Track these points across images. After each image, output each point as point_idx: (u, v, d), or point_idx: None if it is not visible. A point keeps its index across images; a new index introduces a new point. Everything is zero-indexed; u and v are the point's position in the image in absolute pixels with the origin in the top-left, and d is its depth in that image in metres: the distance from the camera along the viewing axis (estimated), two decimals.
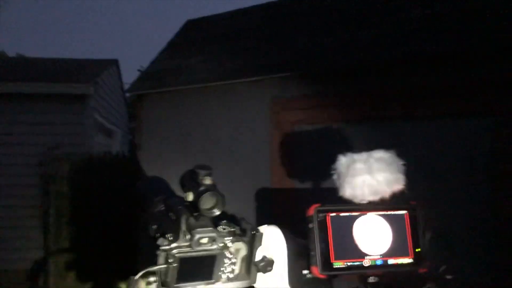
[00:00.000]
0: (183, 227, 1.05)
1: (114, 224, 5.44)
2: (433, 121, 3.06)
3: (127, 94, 9.05)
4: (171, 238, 1.04)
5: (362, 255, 1.28)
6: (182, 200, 1.09)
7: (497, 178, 2.73)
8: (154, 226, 1.13)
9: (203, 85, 4.12)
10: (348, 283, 1.42)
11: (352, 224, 1.29)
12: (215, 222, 1.11)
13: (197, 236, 1.03)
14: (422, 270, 1.31)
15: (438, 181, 2.93)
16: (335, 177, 1.38)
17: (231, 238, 1.12)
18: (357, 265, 1.27)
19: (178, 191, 1.15)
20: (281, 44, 4.29)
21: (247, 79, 3.84)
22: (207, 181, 1.05)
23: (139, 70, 12.67)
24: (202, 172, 1.06)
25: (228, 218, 1.16)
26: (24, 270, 5.82)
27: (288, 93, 3.63)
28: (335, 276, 1.29)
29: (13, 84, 6.41)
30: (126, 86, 7.25)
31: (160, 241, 1.03)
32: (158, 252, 1.02)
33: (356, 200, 1.33)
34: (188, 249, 1.04)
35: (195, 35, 5.55)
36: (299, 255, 1.28)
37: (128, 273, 1.08)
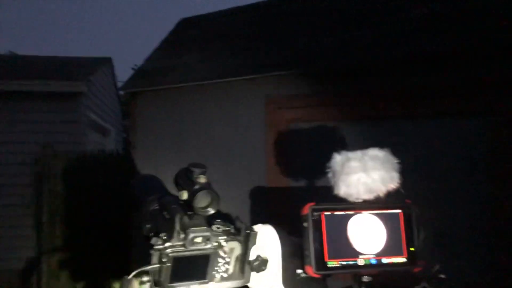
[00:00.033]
0: (177, 226, 1.04)
1: (108, 223, 5.42)
2: (432, 120, 3.07)
3: (121, 92, 9.03)
4: (165, 237, 1.03)
5: (357, 254, 1.28)
6: (176, 199, 1.09)
7: (496, 178, 2.74)
8: (148, 225, 1.12)
9: (197, 83, 4.11)
10: (342, 283, 1.42)
11: (347, 223, 1.29)
12: (210, 221, 1.10)
13: (191, 235, 1.02)
14: (416, 270, 1.31)
15: (436, 181, 2.94)
16: (330, 175, 1.38)
17: (225, 237, 1.11)
18: (351, 264, 1.27)
19: (173, 190, 1.14)
20: (276, 42, 4.28)
21: (242, 77, 3.83)
22: (202, 179, 1.04)
23: (133, 68, 12.62)
24: (196, 170, 1.05)
25: (222, 217, 1.16)
26: (17, 269, 5.78)
27: (284, 92, 3.62)
28: (329, 275, 1.28)
29: (5, 82, 6.36)
30: (120, 84, 7.22)
31: (153, 240, 1.02)
32: (151, 252, 1.02)
33: (351, 199, 1.33)
34: (182, 248, 1.03)
35: (190, 33, 5.53)
36: (293, 255, 1.28)
37: (121, 272, 1.07)
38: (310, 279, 1.27)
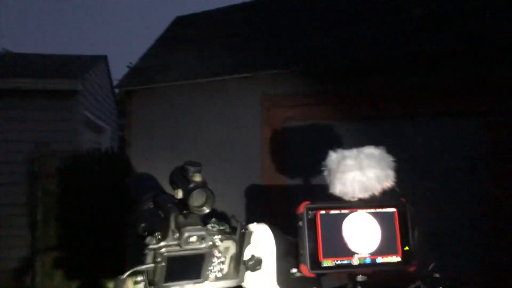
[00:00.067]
0: (172, 225, 1.04)
1: (102, 222, 5.41)
2: (431, 120, 3.07)
3: (116, 90, 9.01)
4: (160, 236, 1.02)
5: (351, 254, 1.28)
6: (171, 197, 1.08)
7: (496, 178, 2.74)
8: (143, 224, 1.11)
9: (193, 82, 4.10)
10: (337, 282, 1.41)
11: (342, 222, 1.28)
12: (205, 220, 1.10)
13: (186, 234, 1.02)
14: (410, 269, 1.31)
15: (436, 180, 2.95)
16: (325, 173, 1.38)
17: (220, 236, 1.11)
18: (346, 264, 1.27)
19: (168, 189, 1.14)
20: (272, 40, 4.28)
21: (238, 76, 3.82)
22: (197, 178, 1.04)
23: (128, 67, 12.57)
24: (191, 169, 1.04)
25: (217, 216, 1.15)
26: (11, 269, 5.76)
27: (280, 90, 3.62)
28: (323, 274, 1.28)
29: None
30: (115, 83, 7.20)
31: (148, 239, 1.01)
32: (146, 251, 1.01)
33: (347, 197, 1.32)
34: (176, 247, 1.02)
35: (185, 31, 5.52)
36: (288, 254, 1.27)
37: (116, 272, 1.06)
38: (304, 278, 1.27)
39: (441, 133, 3.00)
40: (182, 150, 4.06)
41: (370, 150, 1.35)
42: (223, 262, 1.14)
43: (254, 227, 1.23)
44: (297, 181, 3.31)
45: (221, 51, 4.46)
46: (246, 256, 1.16)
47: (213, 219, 1.13)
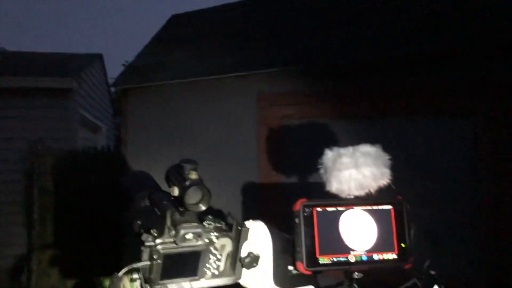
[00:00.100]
0: (168, 222, 1.03)
1: (98, 220, 5.39)
2: (428, 118, 3.07)
3: (112, 89, 8.99)
4: (156, 233, 1.02)
5: (348, 251, 1.28)
6: (168, 195, 1.08)
7: (494, 177, 2.75)
8: (139, 222, 1.11)
9: (189, 80, 4.09)
10: (334, 279, 1.42)
11: (338, 219, 1.28)
12: (201, 217, 1.10)
13: (182, 231, 1.01)
14: (406, 266, 1.32)
15: (435, 179, 2.95)
16: (321, 171, 1.38)
17: (216, 233, 1.11)
18: (343, 261, 1.27)
19: (164, 187, 1.13)
20: (269, 39, 4.28)
21: (234, 74, 3.82)
22: (193, 175, 1.03)
23: (123, 65, 12.54)
24: (187, 166, 1.04)
25: (214, 213, 1.15)
26: (7, 267, 5.74)
27: (276, 89, 3.62)
28: (320, 271, 1.28)
29: None
30: (111, 81, 7.18)
31: (144, 237, 1.01)
32: (142, 248, 1.01)
33: (343, 195, 1.33)
34: (173, 245, 1.02)
35: (181, 30, 5.51)
36: (284, 251, 1.27)
37: (112, 269, 1.06)
38: (301, 275, 1.27)
39: (440, 132, 3.01)
40: (178, 149, 4.06)
41: (366, 148, 1.35)
42: (219, 260, 1.13)
43: (250, 224, 1.23)
44: (294, 179, 3.31)
45: (217, 50, 4.45)
46: (243, 253, 1.16)
47: (209, 217, 1.12)
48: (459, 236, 2.87)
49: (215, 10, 5.64)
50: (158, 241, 1.01)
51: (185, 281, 1.07)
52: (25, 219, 5.75)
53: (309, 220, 1.26)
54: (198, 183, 1.02)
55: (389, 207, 1.33)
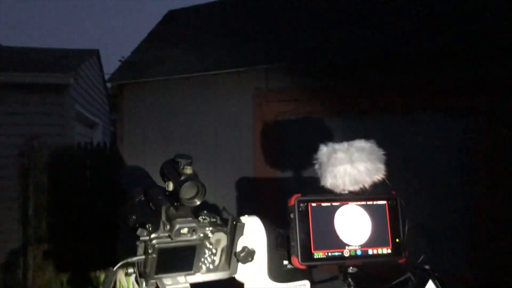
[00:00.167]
0: (163, 217, 1.04)
1: (94, 215, 5.39)
2: (426, 116, 3.08)
3: (109, 85, 8.96)
4: (151, 228, 1.03)
5: (343, 245, 1.29)
6: (163, 190, 1.08)
7: (491, 176, 2.76)
8: (134, 217, 1.11)
9: (185, 76, 4.09)
10: (329, 274, 1.42)
11: (333, 214, 1.29)
12: (196, 212, 1.10)
13: (177, 226, 1.02)
14: (401, 261, 1.32)
15: (429, 176, 2.97)
16: (316, 166, 1.38)
17: (211, 228, 1.11)
18: (337, 256, 1.28)
19: (160, 182, 1.14)
20: (265, 35, 4.27)
21: (230, 70, 3.82)
22: (188, 170, 1.04)
23: (120, 61, 12.50)
24: (182, 161, 1.04)
25: (209, 208, 1.16)
26: (2, 263, 5.73)
27: (272, 85, 3.62)
28: (315, 266, 1.29)
29: None
30: (108, 77, 7.15)
31: (139, 231, 1.01)
32: (137, 243, 1.01)
33: (337, 190, 1.33)
34: (168, 239, 1.03)
35: (177, 25, 5.49)
36: (279, 246, 1.28)
37: (107, 264, 1.06)
38: (296, 270, 1.28)
39: (437, 130, 3.02)
40: (174, 144, 4.06)
41: (360, 143, 1.36)
42: (214, 254, 1.14)
43: (245, 219, 1.23)
44: (289, 174, 3.32)
45: (213, 46, 4.44)
46: (238, 248, 1.17)
47: (205, 211, 1.13)
48: (454, 232, 2.88)
49: (212, 6, 5.62)
50: (153, 235, 1.02)
51: (180, 276, 1.08)
52: (21, 215, 5.74)
53: (304, 215, 1.27)
54: (193, 178, 1.03)
55: (383, 202, 1.33)
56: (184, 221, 1.03)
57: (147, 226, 1.03)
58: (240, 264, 1.18)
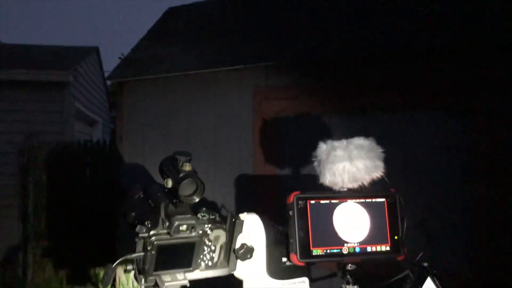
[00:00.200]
0: (162, 214, 1.04)
1: (94, 212, 5.40)
2: (426, 114, 3.08)
3: (108, 82, 8.96)
4: (150, 225, 1.03)
5: (341, 243, 1.29)
6: (162, 187, 1.08)
7: (491, 175, 2.76)
8: (133, 213, 1.11)
9: (185, 73, 4.09)
10: (328, 271, 1.43)
11: (332, 212, 1.29)
12: (195, 209, 1.10)
13: (176, 223, 1.02)
14: (399, 258, 1.33)
15: (428, 174, 2.97)
16: (315, 164, 1.39)
17: (210, 225, 1.11)
18: (336, 253, 1.28)
19: (159, 179, 1.14)
20: (264, 32, 4.27)
21: (230, 68, 3.82)
22: (187, 167, 1.04)
23: (120, 58, 12.48)
24: (181, 158, 1.05)
25: (208, 205, 1.16)
26: (2, 260, 5.74)
27: (272, 83, 3.62)
28: (313, 263, 1.29)
29: None
30: (107, 74, 7.15)
31: (138, 228, 1.02)
32: (136, 240, 1.01)
33: (336, 187, 1.34)
34: (166, 236, 1.03)
35: (177, 23, 5.48)
36: (278, 243, 1.28)
37: (107, 261, 1.06)
38: (294, 267, 1.28)
39: (436, 129, 3.02)
40: (174, 142, 4.06)
41: (359, 141, 1.36)
42: (213, 251, 1.14)
43: (244, 216, 1.23)
44: (288, 172, 3.32)
45: (213, 43, 4.44)
46: (237, 245, 1.17)
47: (204, 209, 1.13)
48: (453, 231, 2.89)
49: (212, 3, 5.61)
50: (152, 232, 1.02)
51: (179, 272, 1.08)
52: (20, 213, 5.75)
53: (302, 212, 1.27)
54: (192, 175, 1.03)
55: (382, 199, 1.34)
56: (183, 218, 1.03)
57: (146, 223, 1.03)
58: (239, 261, 1.18)
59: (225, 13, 5.19)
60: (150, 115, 4.29)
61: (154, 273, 1.04)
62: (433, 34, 3.10)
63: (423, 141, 3.02)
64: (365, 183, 1.33)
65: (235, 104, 3.78)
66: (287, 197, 1.29)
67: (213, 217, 1.13)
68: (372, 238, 1.31)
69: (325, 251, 1.27)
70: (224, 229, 1.14)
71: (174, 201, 1.04)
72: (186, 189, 1.02)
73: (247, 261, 1.19)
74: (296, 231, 1.25)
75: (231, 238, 1.16)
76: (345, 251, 1.29)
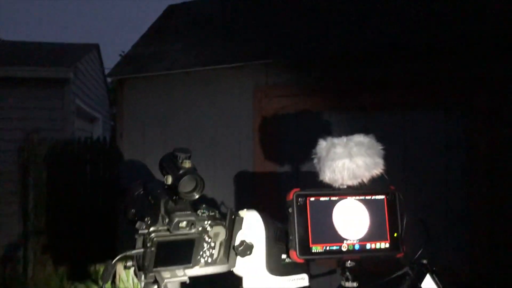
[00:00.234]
0: (162, 210, 1.04)
1: (94, 209, 5.41)
2: (425, 113, 3.08)
3: (109, 79, 8.95)
4: (149, 222, 1.03)
5: (341, 240, 1.29)
6: (162, 183, 1.08)
7: (491, 174, 2.77)
8: (133, 210, 1.12)
9: (185, 71, 4.08)
10: (327, 268, 1.43)
11: (332, 209, 1.29)
12: (195, 206, 1.10)
13: (176, 219, 1.02)
14: (399, 255, 1.33)
15: (428, 173, 2.97)
16: (315, 161, 1.39)
17: (210, 222, 1.11)
18: (336, 250, 1.28)
19: (159, 176, 1.14)
20: (264, 30, 4.26)
21: (230, 65, 3.81)
22: (187, 164, 1.04)
23: (120, 55, 12.48)
24: (181, 155, 1.05)
25: (207, 202, 1.16)
26: (2, 257, 5.75)
27: (272, 80, 3.62)
28: (313, 260, 1.29)
29: None
30: (108, 71, 7.15)
31: (138, 224, 1.02)
32: (136, 236, 1.01)
33: (336, 184, 1.34)
34: (166, 233, 1.03)
35: (178, 20, 5.48)
36: (278, 240, 1.28)
37: (107, 257, 1.07)
38: (294, 263, 1.28)
39: (436, 127, 3.02)
40: (174, 139, 4.06)
41: (359, 138, 1.36)
42: (213, 248, 1.14)
43: (244, 213, 1.24)
44: (288, 169, 3.32)
45: (213, 41, 4.43)
46: (237, 242, 1.17)
47: (203, 205, 1.13)
48: (453, 229, 2.89)
49: (212, 1, 5.61)
50: (151, 229, 1.02)
51: (179, 269, 1.08)
52: (21, 209, 5.75)
53: (302, 209, 1.27)
54: (192, 171, 1.03)
55: (382, 197, 1.34)
56: (183, 214, 1.03)
57: (146, 219, 1.03)
58: (238, 257, 1.19)
59: (225, 11, 5.18)
60: (150, 112, 4.29)
61: (154, 269, 1.04)
62: (433, 33, 3.10)
63: (423, 141, 3.02)
64: (365, 180, 1.33)
65: (235, 102, 3.78)
66: (286, 194, 1.29)
67: (212, 214, 1.13)
68: (371, 235, 1.31)
69: (324, 248, 1.28)
70: (224, 226, 1.14)
71: (174, 197, 1.04)
72: (186, 185, 1.02)
73: (246, 257, 1.20)
74: (295, 228, 1.25)
75: (230, 235, 1.16)
76: (344, 248, 1.29)
